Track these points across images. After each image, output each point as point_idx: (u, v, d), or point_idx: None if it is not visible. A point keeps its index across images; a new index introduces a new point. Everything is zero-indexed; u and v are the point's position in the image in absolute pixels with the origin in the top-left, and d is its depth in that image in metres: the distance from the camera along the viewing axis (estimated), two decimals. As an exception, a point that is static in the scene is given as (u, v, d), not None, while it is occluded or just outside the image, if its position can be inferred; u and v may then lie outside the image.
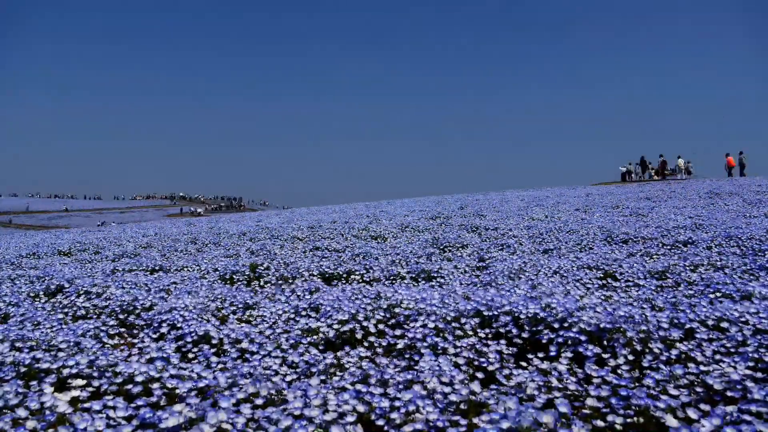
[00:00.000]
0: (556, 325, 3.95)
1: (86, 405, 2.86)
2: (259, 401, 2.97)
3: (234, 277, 7.29)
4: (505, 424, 2.45)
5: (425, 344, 3.82)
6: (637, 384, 3.10)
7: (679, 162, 34.32)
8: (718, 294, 4.91)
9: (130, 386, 3.24)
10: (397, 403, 2.82)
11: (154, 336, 4.62)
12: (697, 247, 7.67)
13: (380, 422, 2.77)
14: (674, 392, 2.92)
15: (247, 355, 3.91)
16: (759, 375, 3.00)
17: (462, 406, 2.90)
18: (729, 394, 2.89)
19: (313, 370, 3.60)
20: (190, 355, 4.02)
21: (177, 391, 3.14)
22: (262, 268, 7.48)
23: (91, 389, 3.27)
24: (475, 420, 2.65)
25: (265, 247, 10.29)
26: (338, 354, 3.84)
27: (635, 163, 36.83)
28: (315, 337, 4.28)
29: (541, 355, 3.68)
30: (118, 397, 3.05)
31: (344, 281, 6.87)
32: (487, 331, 4.22)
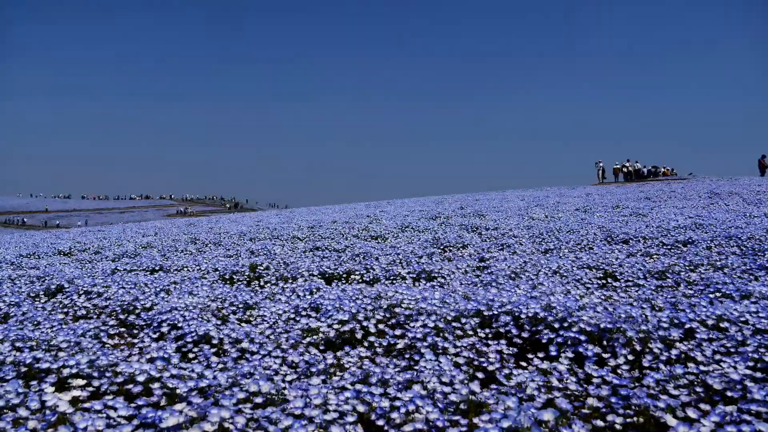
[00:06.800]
0: (556, 325, 3.95)
1: (86, 405, 2.86)
2: (259, 400, 2.98)
3: (234, 277, 7.29)
4: (505, 424, 2.45)
5: (425, 344, 3.82)
6: (637, 384, 3.10)
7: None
8: (717, 294, 4.92)
9: (130, 386, 3.24)
10: (397, 403, 2.82)
11: (155, 336, 4.62)
12: (697, 247, 7.67)
13: (380, 422, 2.77)
14: (674, 392, 2.93)
15: (248, 355, 3.91)
16: (759, 375, 3.01)
17: (462, 406, 2.90)
18: (729, 393, 2.89)
19: (314, 369, 3.60)
20: (191, 355, 4.02)
21: (177, 390, 3.14)
22: (262, 268, 7.48)
23: (91, 389, 3.27)
24: (475, 420, 2.65)
25: (265, 247, 10.29)
26: (338, 354, 3.85)
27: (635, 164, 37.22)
28: (315, 336, 4.28)
29: (541, 354, 3.69)
30: (118, 396, 3.05)
31: (344, 281, 6.87)
32: (488, 330, 4.22)
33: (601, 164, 37.01)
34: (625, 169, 36.58)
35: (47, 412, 2.78)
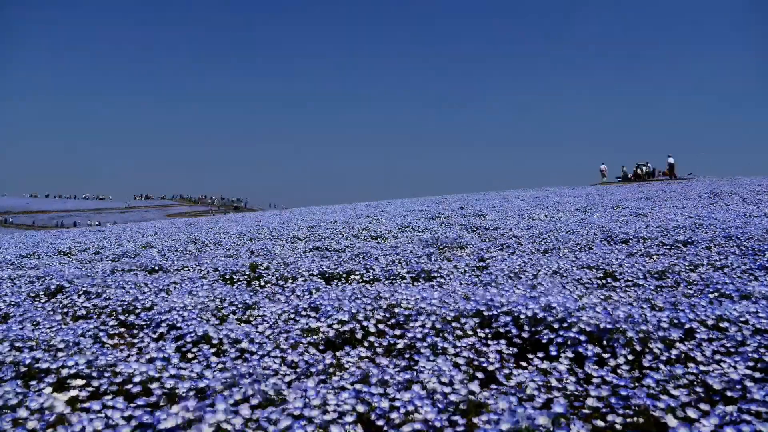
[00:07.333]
0: (555, 325, 3.94)
1: (86, 405, 2.86)
2: (258, 400, 2.97)
3: (234, 276, 7.29)
4: (504, 425, 2.44)
5: (425, 344, 3.82)
6: (637, 384, 3.10)
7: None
8: (717, 294, 4.91)
9: (129, 386, 3.23)
10: (396, 403, 2.81)
11: (154, 336, 4.61)
12: (697, 247, 7.67)
13: (380, 422, 2.77)
14: (674, 392, 2.92)
15: (247, 355, 3.90)
16: (758, 375, 3.00)
17: (462, 406, 2.89)
18: (729, 393, 2.89)
19: (313, 369, 3.60)
20: (190, 355, 4.02)
21: (177, 390, 3.14)
22: (262, 268, 7.48)
23: (90, 389, 3.27)
24: (475, 420, 2.65)
25: (265, 247, 10.29)
26: (338, 354, 3.84)
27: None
28: (315, 336, 4.28)
29: (541, 355, 3.68)
30: (117, 396, 3.05)
31: (344, 281, 6.86)
32: (487, 330, 4.21)
33: (603, 166, 37.21)
34: (640, 171, 36.91)
35: (46, 412, 2.78)
